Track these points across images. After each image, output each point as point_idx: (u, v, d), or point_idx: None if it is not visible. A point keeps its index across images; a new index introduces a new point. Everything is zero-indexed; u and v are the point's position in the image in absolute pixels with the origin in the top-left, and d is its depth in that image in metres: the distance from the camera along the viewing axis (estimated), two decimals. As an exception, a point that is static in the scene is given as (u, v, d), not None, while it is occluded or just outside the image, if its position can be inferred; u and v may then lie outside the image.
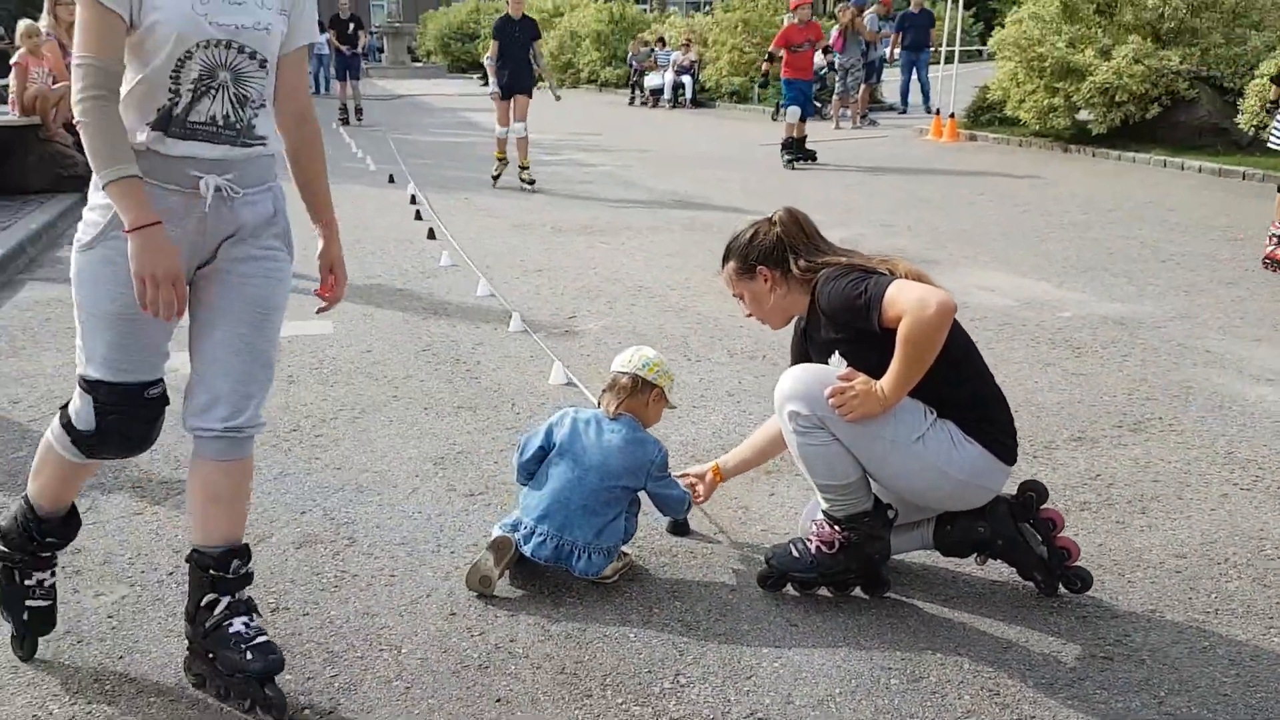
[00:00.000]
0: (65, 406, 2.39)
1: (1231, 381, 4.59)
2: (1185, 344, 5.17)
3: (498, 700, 2.40)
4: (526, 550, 2.82)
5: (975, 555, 2.90)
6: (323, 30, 25.86)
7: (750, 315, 3.01)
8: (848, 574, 2.81)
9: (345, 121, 17.98)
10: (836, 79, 17.54)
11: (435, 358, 4.93)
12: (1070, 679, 2.46)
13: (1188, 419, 4.15)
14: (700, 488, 3.11)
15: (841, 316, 2.68)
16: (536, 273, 6.74)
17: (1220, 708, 2.34)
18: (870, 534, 2.75)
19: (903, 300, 2.55)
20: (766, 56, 13.08)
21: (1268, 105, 8.84)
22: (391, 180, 10.83)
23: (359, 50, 18.17)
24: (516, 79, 10.26)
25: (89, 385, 2.30)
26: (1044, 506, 2.82)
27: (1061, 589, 2.82)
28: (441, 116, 21.21)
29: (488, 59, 10.60)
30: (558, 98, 10.41)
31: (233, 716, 2.34)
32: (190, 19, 2.15)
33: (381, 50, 39.56)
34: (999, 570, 2.94)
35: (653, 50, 23.52)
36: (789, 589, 2.87)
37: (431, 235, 7.77)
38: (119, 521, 3.27)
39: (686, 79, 22.24)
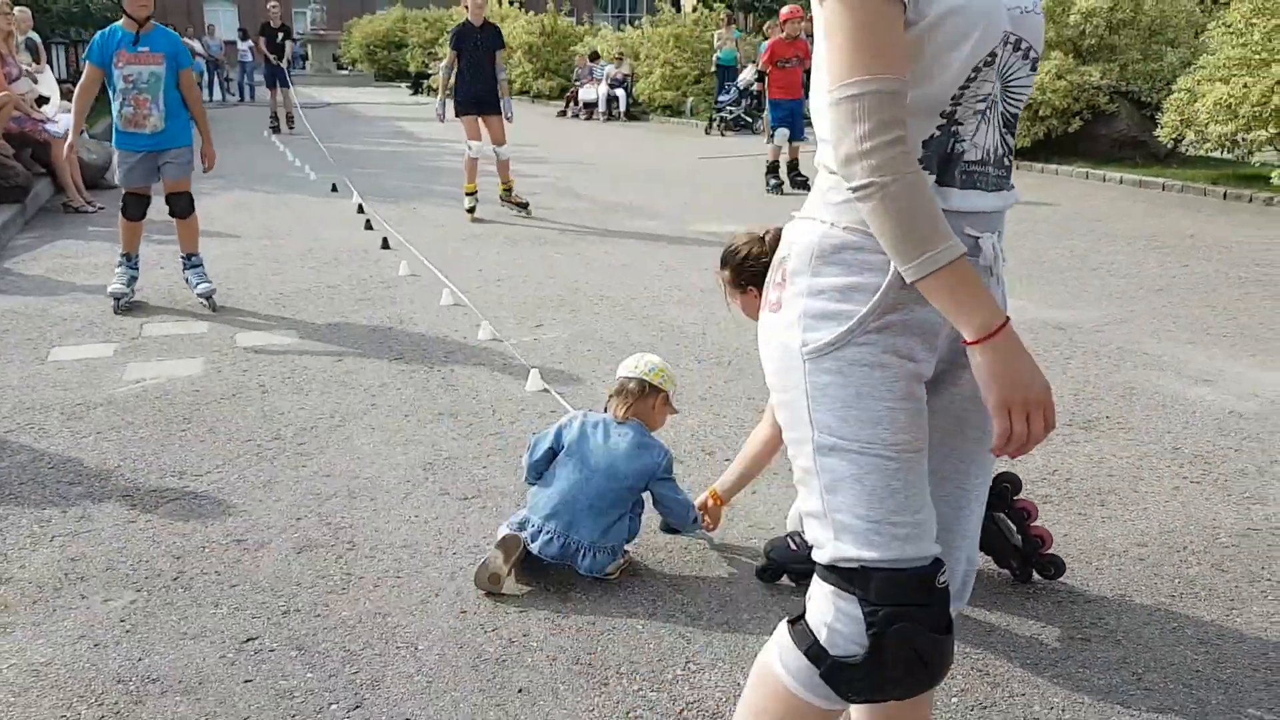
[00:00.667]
0: (796, 621, 1.64)
1: (1171, 382, 4.87)
2: (1123, 347, 5.45)
3: (519, 691, 2.50)
4: (534, 548, 2.92)
5: None
6: (246, 38, 25.62)
7: (748, 315, 3.15)
8: None
9: (276, 130, 17.79)
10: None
11: (409, 366, 5.00)
12: (1053, 659, 2.64)
13: (1134, 417, 4.40)
14: (706, 518, 3.21)
15: None
16: (497, 282, 6.82)
17: (1194, 683, 2.53)
18: None
19: None
20: (757, 77, 11.94)
21: None
22: (335, 189, 10.79)
23: (286, 59, 17.99)
24: (481, 94, 9.18)
25: (853, 577, 1.53)
26: (1018, 497, 3.01)
27: (1035, 576, 3.01)
28: (374, 125, 21.08)
29: (442, 69, 9.35)
30: (509, 118, 9.26)
31: (259, 715, 2.40)
32: (994, 5, 1.47)
33: (305, 58, 39.13)
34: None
35: (591, 69, 23.68)
36: (783, 580, 3.01)
37: (386, 245, 7.79)
38: (115, 530, 3.29)
39: (620, 92, 22.42)
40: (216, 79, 26.88)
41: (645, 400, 3.08)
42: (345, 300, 6.30)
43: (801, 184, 11.12)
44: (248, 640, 2.70)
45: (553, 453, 3.05)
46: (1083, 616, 2.84)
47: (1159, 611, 2.87)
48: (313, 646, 2.68)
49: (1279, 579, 3.04)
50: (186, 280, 6.08)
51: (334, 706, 2.44)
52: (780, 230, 3.09)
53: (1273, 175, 9.95)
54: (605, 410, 3.14)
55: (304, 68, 38.31)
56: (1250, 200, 10.28)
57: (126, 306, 5.91)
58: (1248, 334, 5.71)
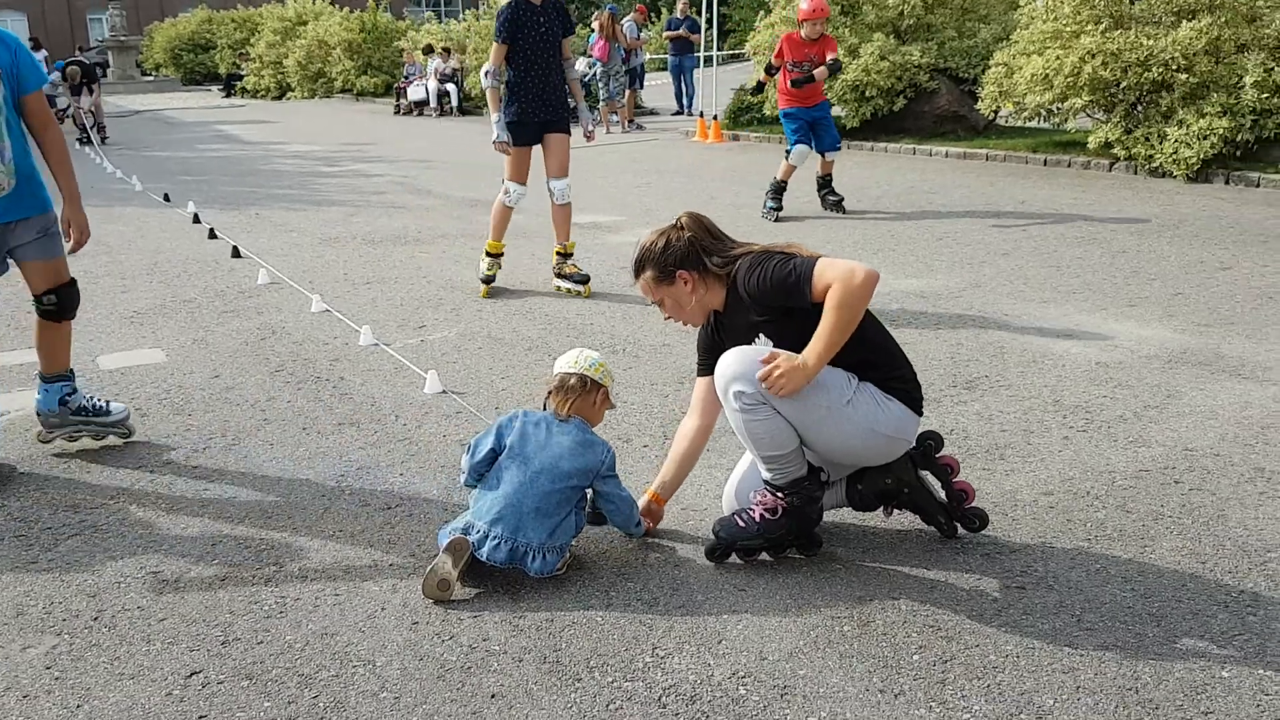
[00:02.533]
0: None
1: (1036, 339, 5.16)
2: (984, 311, 5.74)
3: (492, 696, 2.46)
4: (482, 554, 2.87)
5: (883, 508, 3.19)
6: (39, 48, 24.01)
7: (669, 318, 3.19)
8: (787, 536, 3.03)
9: (85, 141, 16.76)
10: (600, 85, 17.94)
11: (293, 377, 4.81)
12: (996, 609, 2.78)
13: (1011, 375, 4.65)
14: (648, 521, 3.21)
15: (771, 297, 2.89)
16: (365, 285, 6.63)
17: (1128, 619, 2.71)
18: (809, 496, 2.98)
19: (830, 273, 2.81)
20: (765, 69, 9.43)
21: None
22: (167, 199, 10.26)
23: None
24: (544, 103, 6.12)
25: None
26: (940, 454, 3.15)
27: (961, 531, 3.15)
28: (191, 131, 20.14)
29: (486, 75, 6.05)
30: (589, 134, 6.60)
31: (228, 748, 2.29)
32: None
33: (106, 66, 36.98)
34: (902, 521, 3.25)
35: (420, 66, 23.22)
36: (732, 557, 3.06)
37: (237, 253, 7.46)
38: (15, 573, 3.06)
39: (451, 87, 22.08)
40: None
41: (587, 396, 3.06)
42: (207, 313, 6.01)
43: (836, 204, 8.99)
44: (191, 675, 2.55)
45: (494, 454, 2.99)
46: (1013, 566, 2.99)
47: (1080, 555, 3.05)
48: (262, 675, 2.56)
49: (1178, 515, 3.27)
50: (83, 409, 3.99)
51: (302, 733, 2.34)
52: (691, 214, 3.14)
53: (1088, 140, 10.64)
54: (544, 407, 3.11)
55: (105, 75, 36.22)
56: (1070, 165, 10.97)
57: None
58: (1093, 289, 6.10)
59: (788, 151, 8.75)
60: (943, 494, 3.15)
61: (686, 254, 3.05)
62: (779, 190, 8.90)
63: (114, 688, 2.51)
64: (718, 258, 3.04)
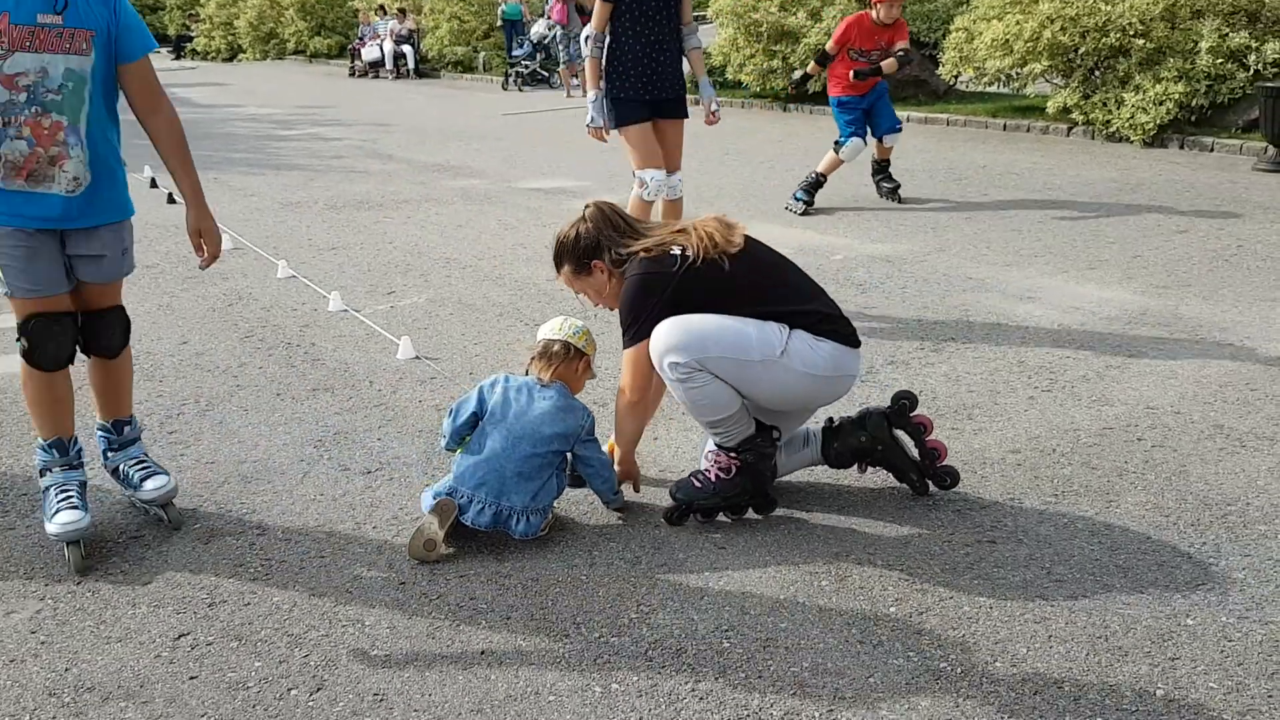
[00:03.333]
0: None
1: (999, 302, 5.25)
2: (949, 274, 5.83)
3: (481, 652, 2.50)
4: (466, 519, 2.90)
5: (857, 465, 3.26)
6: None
7: (599, 304, 3.29)
8: (743, 496, 3.09)
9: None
10: (560, 48, 17.82)
11: (264, 343, 4.78)
12: (969, 562, 2.86)
13: (976, 337, 4.73)
14: (630, 484, 3.26)
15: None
16: (331, 251, 6.59)
17: (1096, 570, 2.80)
18: (761, 453, 3.04)
19: (624, 370, 3.06)
20: (817, 56, 7.82)
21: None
22: (123, 164, 10.06)
23: None
24: (657, 78, 4.95)
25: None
26: (914, 413, 3.22)
27: (933, 489, 3.23)
28: (143, 95, 19.72)
29: (589, 41, 4.95)
30: (713, 114, 5.42)
31: (216, 711, 2.31)
32: None
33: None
34: (875, 479, 3.32)
35: (375, 25, 22.86)
36: (692, 519, 3.11)
37: (198, 220, 7.36)
38: (-9, 540, 3.05)
39: (407, 49, 21.79)
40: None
41: (570, 363, 3.09)
42: (170, 280, 5.95)
43: (892, 191, 7.93)
44: (180, 636, 2.57)
45: (476, 417, 3.02)
46: (983, 521, 3.08)
47: (1048, 510, 3.14)
48: (251, 635, 2.58)
49: (1142, 470, 3.37)
50: (117, 473, 3.20)
51: (294, 692, 2.37)
52: (596, 205, 3.17)
53: (1047, 105, 10.76)
54: (526, 373, 3.13)
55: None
56: (1029, 130, 11.09)
57: (85, 554, 2.94)
58: (1055, 253, 6.21)
59: (838, 143, 7.51)
60: (916, 452, 3.22)
61: (595, 246, 3.13)
62: (816, 185, 7.60)
63: (102, 650, 2.52)
64: (616, 252, 3.11)
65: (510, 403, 3.00)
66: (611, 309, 3.24)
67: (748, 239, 3.05)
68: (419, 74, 21.86)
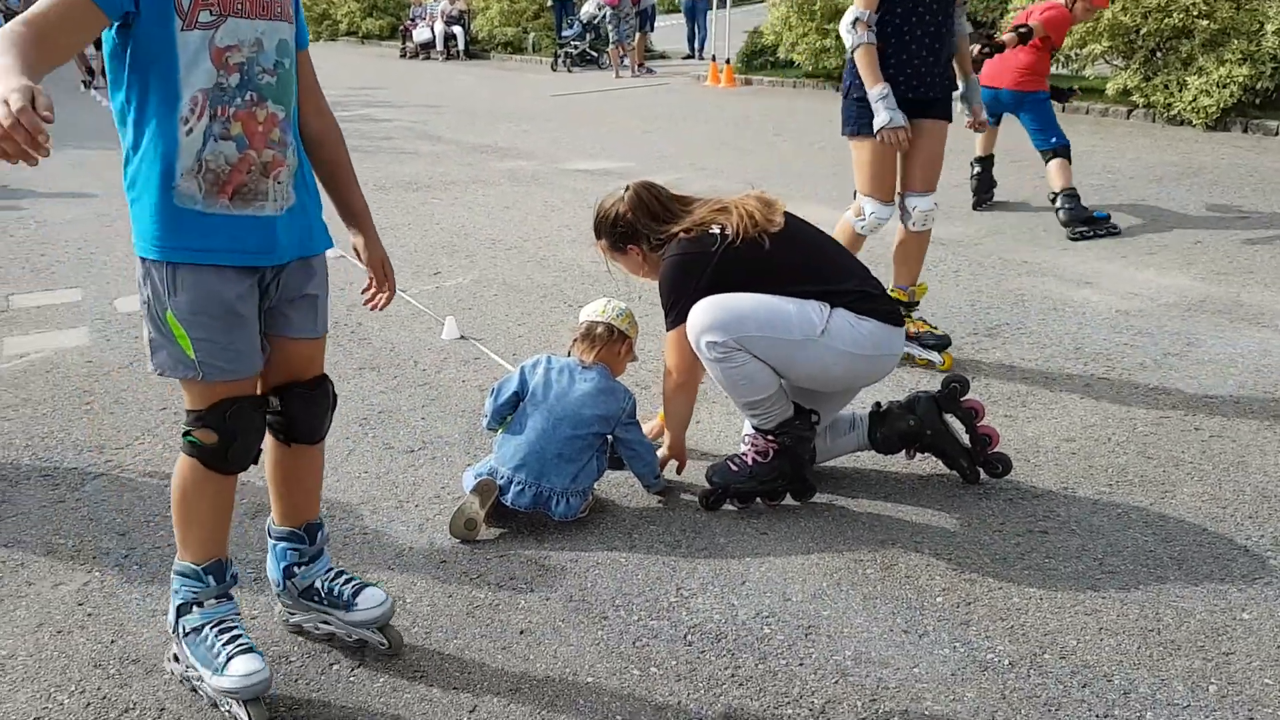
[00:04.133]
0: None
1: (1056, 287, 5.14)
2: (1004, 258, 5.72)
3: (521, 632, 2.49)
4: (507, 499, 2.89)
5: (905, 450, 3.21)
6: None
7: (637, 277, 3.28)
8: (780, 480, 3.05)
9: (90, 85, 16.65)
10: (610, 28, 17.72)
11: (312, 321, 4.81)
12: (1019, 552, 2.80)
13: (1031, 322, 4.64)
14: (674, 464, 3.24)
15: None
16: (379, 231, 6.59)
17: (1150, 562, 2.73)
18: (799, 436, 3.00)
19: (666, 352, 3.01)
20: (1021, 32, 6.29)
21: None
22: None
23: None
24: (923, 74, 3.94)
25: None
26: (965, 397, 3.15)
27: (984, 476, 3.17)
28: (199, 76, 19.97)
29: (854, 25, 3.85)
30: (980, 123, 4.53)
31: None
32: None
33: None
34: (924, 466, 3.27)
35: (426, 6, 22.93)
36: (730, 505, 3.08)
37: (250, 199, 7.44)
38: (43, 511, 3.09)
39: (458, 30, 21.83)
40: (13, 31, 24.81)
41: (612, 346, 3.07)
42: (223, 258, 6.00)
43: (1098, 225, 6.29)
44: (225, 611, 2.59)
45: (517, 398, 3.01)
46: (1034, 511, 3.01)
47: (1101, 500, 3.06)
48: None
49: (1199, 461, 3.28)
50: (311, 593, 2.43)
51: (336, 667, 2.38)
52: (635, 188, 3.13)
53: (1107, 87, 10.52)
54: (569, 354, 3.11)
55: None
56: (1087, 112, 10.85)
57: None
58: (1115, 239, 6.06)
59: (1051, 151, 6.43)
60: (966, 438, 3.16)
61: (630, 231, 3.10)
62: (1076, 197, 6.24)
63: (147, 623, 2.55)
64: (654, 239, 3.08)
65: (552, 384, 2.99)
66: (650, 279, 3.22)
67: (788, 217, 3.01)
68: (469, 55, 21.89)
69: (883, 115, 3.81)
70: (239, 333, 2.06)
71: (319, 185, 2.29)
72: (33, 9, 1.81)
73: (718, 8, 17.61)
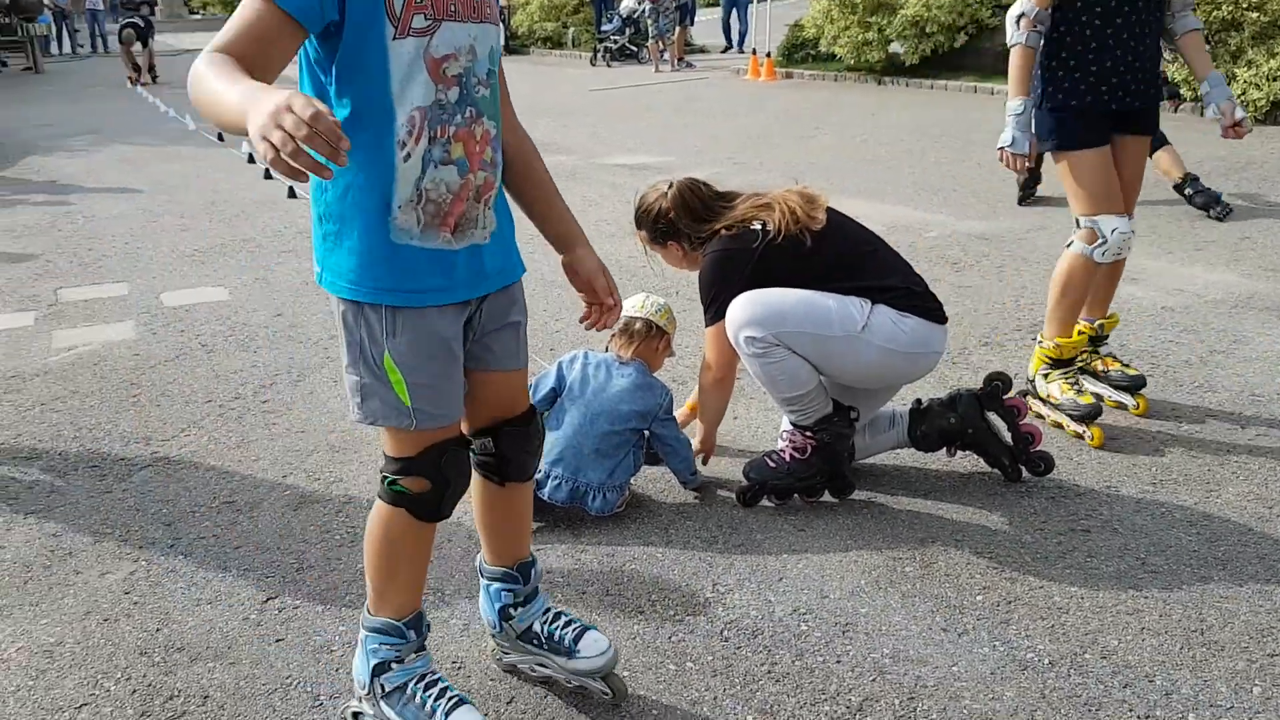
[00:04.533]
0: None
1: (1099, 285, 5.07)
2: (1049, 253, 5.65)
3: (558, 626, 2.50)
4: (543, 494, 2.90)
5: (946, 448, 3.18)
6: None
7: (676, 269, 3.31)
8: (818, 477, 3.03)
9: (135, 81, 16.91)
10: (649, 22, 17.72)
11: (353, 315, 4.86)
12: (1060, 551, 2.77)
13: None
14: (703, 455, 3.25)
15: None
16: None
17: (1194, 562, 2.69)
18: (838, 433, 2.98)
19: (706, 348, 3.02)
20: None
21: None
22: (221, 139, 10.33)
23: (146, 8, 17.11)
24: (1135, 80, 3.36)
25: None
26: (1008, 396, 3.12)
27: (1026, 474, 3.14)
28: (243, 72, 20.21)
29: (1018, 21, 3.33)
30: (1239, 124, 3.39)
31: (301, 673, 2.35)
32: None
33: (154, 4, 37.20)
34: (965, 464, 3.24)
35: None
36: (767, 501, 3.07)
37: (292, 194, 7.52)
38: (91, 501, 3.15)
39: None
40: (65, 30, 25.26)
41: (650, 341, 3.08)
42: (267, 253, 6.08)
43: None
44: (268, 600, 2.63)
45: (554, 393, 3.02)
46: (1077, 509, 2.98)
47: (1145, 499, 3.02)
48: (337, 600, 2.63)
49: (1244, 460, 3.23)
50: (530, 636, 2.27)
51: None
52: (678, 187, 3.12)
53: (1154, 82, 10.35)
54: (606, 349, 3.12)
55: (153, 14, 36.41)
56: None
57: None
58: (1159, 233, 5.97)
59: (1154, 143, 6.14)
60: (1008, 436, 3.13)
61: (671, 229, 3.12)
62: (1198, 179, 6.37)
63: (192, 612, 2.59)
64: (695, 238, 3.09)
65: (589, 379, 3.00)
66: (690, 271, 3.23)
67: (831, 213, 2.99)
68: (509, 50, 21.98)
69: (1006, 134, 3.40)
70: (455, 374, 1.90)
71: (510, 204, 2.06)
72: (220, 36, 1.60)
73: (759, 1, 17.54)
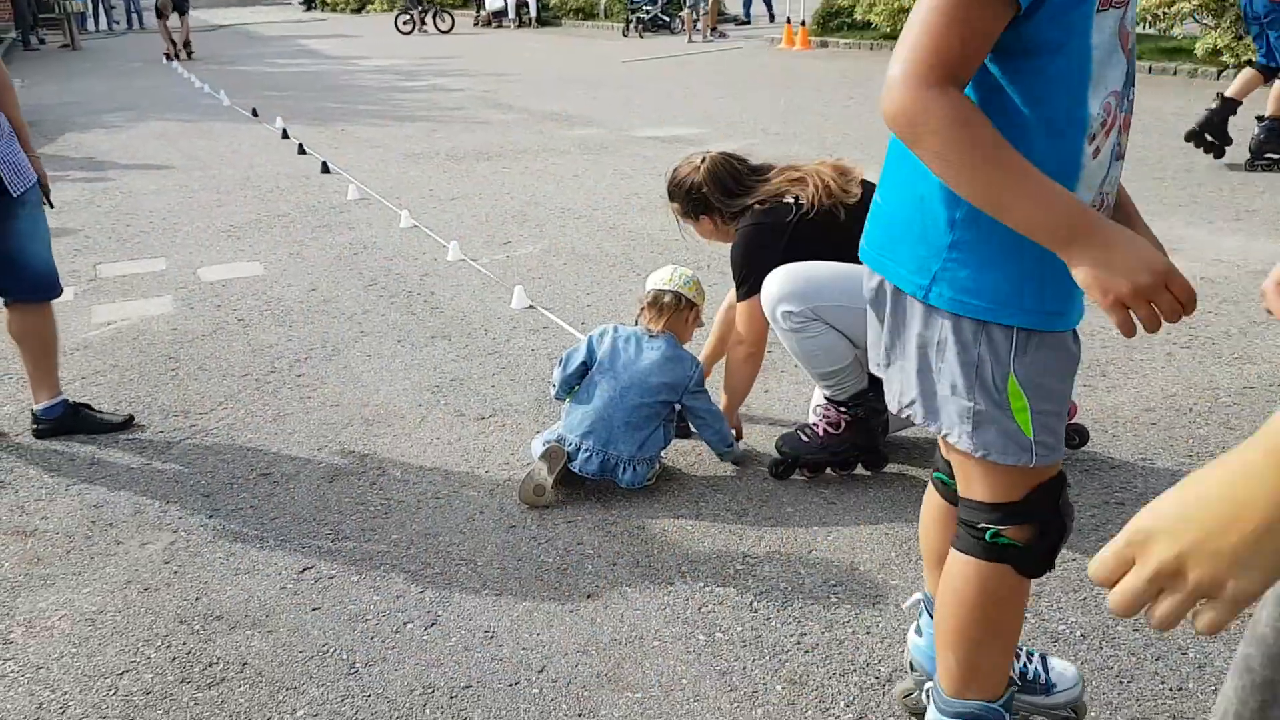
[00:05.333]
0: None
1: (1137, 256, 5.00)
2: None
3: (588, 596, 2.53)
4: (574, 466, 2.92)
5: None
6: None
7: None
8: (853, 451, 3.03)
9: (172, 57, 17.02)
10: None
11: (386, 291, 4.90)
12: (1094, 524, 2.75)
13: (1110, 292, 4.52)
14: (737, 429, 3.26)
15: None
16: (451, 201, 6.69)
17: (1228, 530, 2.67)
18: (872, 408, 2.97)
19: (738, 322, 3.03)
20: None
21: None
22: (255, 114, 10.40)
23: None
24: None
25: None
26: None
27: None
28: (275, 45, 20.30)
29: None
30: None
31: (336, 640, 2.39)
32: None
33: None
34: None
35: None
36: (796, 475, 3.07)
37: (326, 169, 7.56)
38: (131, 473, 3.21)
39: (530, -2, 21.86)
40: (101, 7, 25.46)
41: (680, 314, 3.08)
42: (301, 228, 6.13)
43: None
44: (304, 570, 2.67)
45: (585, 367, 3.03)
46: (1111, 482, 2.96)
47: (1180, 472, 2.99)
48: (371, 570, 2.66)
49: (1284, 432, 3.19)
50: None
51: (410, 625, 2.44)
52: (712, 160, 3.10)
53: (1196, 47, 10.16)
54: (636, 323, 3.13)
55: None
56: (1175, 73, 10.50)
57: None
58: (1200, 202, 5.88)
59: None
60: None
61: (704, 202, 3.13)
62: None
63: (231, 581, 2.64)
64: (729, 212, 3.10)
65: (619, 352, 3.00)
66: (722, 243, 3.23)
67: (865, 185, 2.97)
68: (541, 22, 21.90)
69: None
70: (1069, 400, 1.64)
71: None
72: (940, 48, 1.31)
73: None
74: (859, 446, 3.02)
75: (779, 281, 2.86)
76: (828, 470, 3.07)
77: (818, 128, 8.89)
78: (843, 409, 2.98)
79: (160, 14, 17.09)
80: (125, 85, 13.68)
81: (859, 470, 3.07)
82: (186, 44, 17.49)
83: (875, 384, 2.99)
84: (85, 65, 16.71)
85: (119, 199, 6.95)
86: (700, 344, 4.00)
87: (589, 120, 9.64)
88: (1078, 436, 3.09)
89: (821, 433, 3.02)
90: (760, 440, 3.27)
